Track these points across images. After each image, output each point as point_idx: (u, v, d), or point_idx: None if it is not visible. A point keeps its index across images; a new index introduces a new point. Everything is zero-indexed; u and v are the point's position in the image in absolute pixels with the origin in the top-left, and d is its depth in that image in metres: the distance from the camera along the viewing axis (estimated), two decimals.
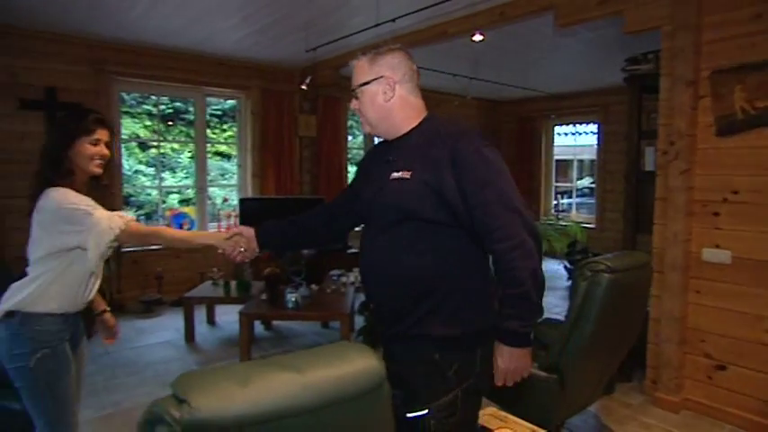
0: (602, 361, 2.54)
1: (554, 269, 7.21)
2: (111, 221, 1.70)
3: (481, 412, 2.29)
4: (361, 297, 4.68)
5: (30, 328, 1.71)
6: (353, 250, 6.11)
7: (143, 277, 5.29)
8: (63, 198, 1.70)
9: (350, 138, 7.15)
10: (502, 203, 1.43)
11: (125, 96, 5.49)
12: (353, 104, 1.62)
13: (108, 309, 2.14)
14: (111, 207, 1.85)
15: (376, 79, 1.53)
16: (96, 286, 1.92)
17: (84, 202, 1.72)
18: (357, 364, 1.10)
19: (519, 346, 1.47)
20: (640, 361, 3.24)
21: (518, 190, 1.51)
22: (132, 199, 6.96)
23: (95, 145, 1.81)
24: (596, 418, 3.00)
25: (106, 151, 1.85)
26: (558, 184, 8.94)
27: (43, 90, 4.68)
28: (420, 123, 1.60)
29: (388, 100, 1.54)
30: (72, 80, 4.84)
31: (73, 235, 1.70)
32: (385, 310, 1.63)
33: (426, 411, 1.51)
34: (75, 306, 1.83)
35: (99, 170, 1.84)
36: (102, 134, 1.83)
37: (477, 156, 1.45)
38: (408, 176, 1.50)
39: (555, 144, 8.74)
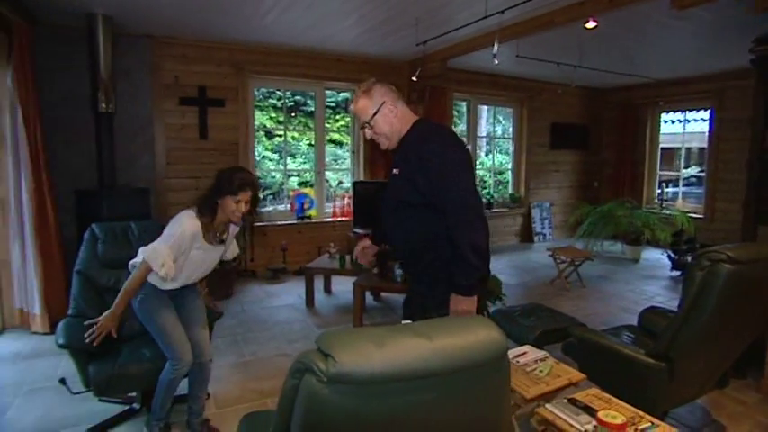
0: (717, 354, 2.35)
1: (656, 258, 6.68)
2: (157, 260, 2.12)
3: (584, 392, 2.24)
4: None
5: None
6: None
7: (270, 249, 5.74)
8: (176, 223, 2.19)
9: (455, 125, 7.08)
10: (454, 191, 1.79)
11: (255, 92, 5.90)
12: (368, 135, 1.97)
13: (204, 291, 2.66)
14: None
15: (380, 106, 1.89)
16: (177, 282, 2.32)
17: (174, 242, 2.15)
18: (481, 336, 1.13)
19: (463, 295, 1.84)
20: (758, 358, 2.94)
21: (472, 181, 1.92)
22: (261, 181, 7.50)
23: (237, 203, 2.21)
24: (705, 412, 2.79)
25: (244, 209, 2.24)
26: (663, 173, 8.19)
27: (197, 89, 5.19)
28: (410, 129, 1.94)
29: (396, 116, 1.91)
30: (218, 80, 5.31)
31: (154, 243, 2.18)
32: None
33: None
34: (162, 286, 2.29)
35: (237, 221, 2.29)
36: (244, 196, 2.21)
37: (437, 155, 1.81)
38: (398, 172, 1.95)
39: (661, 132, 7.99)
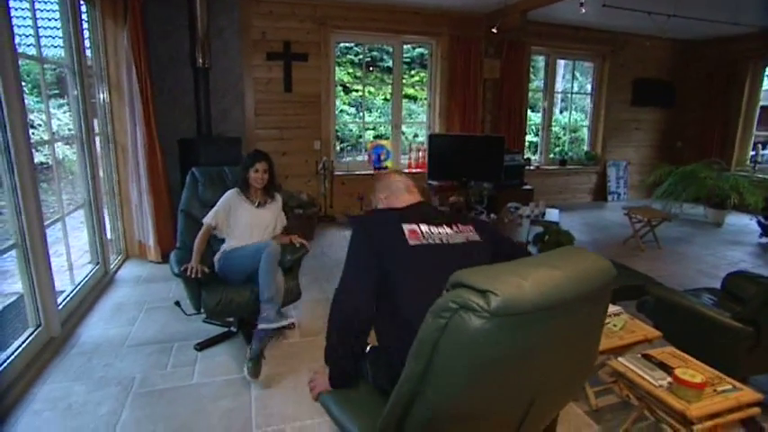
0: None
1: (743, 223, 6.07)
2: (207, 219, 2.70)
3: (659, 350, 2.13)
4: (536, 229, 4.54)
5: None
6: (528, 187, 5.88)
7: (348, 196, 5.85)
8: (224, 197, 2.75)
9: (530, 81, 6.65)
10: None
11: (334, 47, 5.84)
12: None
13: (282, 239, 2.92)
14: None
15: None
16: (251, 238, 2.73)
17: (218, 207, 2.72)
18: (597, 264, 1.13)
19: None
20: None
21: (359, 261, 1.53)
22: (338, 134, 7.58)
23: (256, 172, 2.73)
24: None
25: (263, 175, 2.75)
26: (760, 134, 7.26)
27: (282, 44, 5.23)
28: None
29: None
30: (301, 35, 5.31)
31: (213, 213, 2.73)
32: None
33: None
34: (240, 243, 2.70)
35: (259, 186, 2.76)
36: (260, 166, 2.73)
37: None
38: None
39: (763, 88, 7.01)
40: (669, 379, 1.86)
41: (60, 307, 2.86)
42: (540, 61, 7.16)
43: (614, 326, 2.28)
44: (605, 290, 1.13)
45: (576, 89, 7.94)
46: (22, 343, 2.46)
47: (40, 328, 2.61)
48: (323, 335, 2.83)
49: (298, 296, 2.78)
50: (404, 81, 6.23)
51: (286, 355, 2.69)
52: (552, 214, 4.63)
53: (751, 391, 1.82)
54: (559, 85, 7.94)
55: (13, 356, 2.34)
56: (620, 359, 2.02)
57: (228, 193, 2.77)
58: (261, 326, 2.40)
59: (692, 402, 1.72)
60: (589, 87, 7.51)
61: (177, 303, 2.83)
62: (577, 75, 7.91)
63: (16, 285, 3.75)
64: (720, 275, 2.93)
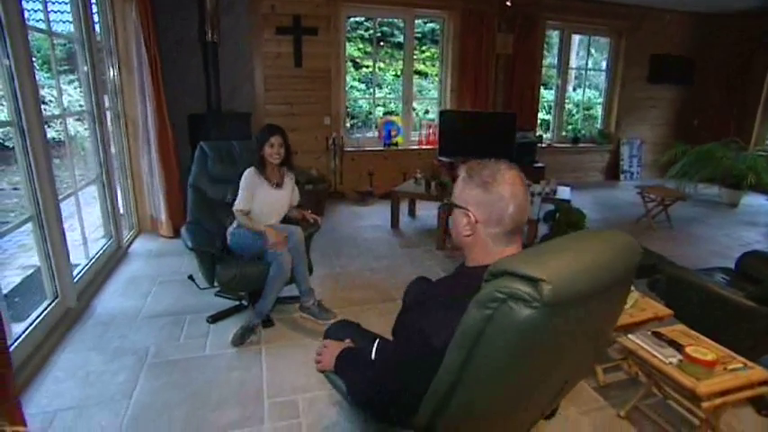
0: None
1: (759, 204, 5.97)
2: (238, 206, 2.65)
3: (670, 328, 2.12)
4: (548, 207, 4.50)
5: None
6: (540, 164, 5.80)
7: (358, 173, 5.82)
8: (245, 177, 2.67)
9: (544, 58, 6.49)
10: None
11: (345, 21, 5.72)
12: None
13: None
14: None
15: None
16: (269, 219, 2.72)
17: (243, 190, 2.65)
18: (630, 244, 1.12)
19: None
20: None
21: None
22: (349, 110, 7.50)
23: (272, 147, 2.64)
24: None
25: (279, 150, 2.66)
26: None
27: (291, 18, 5.13)
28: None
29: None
30: (311, 8, 5.20)
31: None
32: None
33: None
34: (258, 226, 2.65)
35: (276, 161, 2.68)
36: (275, 140, 2.64)
37: None
38: None
39: None
40: (679, 356, 1.85)
41: (76, 279, 2.91)
42: (554, 37, 6.96)
43: (625, 304, 2.27)
44: (633, 270, 1.11)
45: (590, 66, 7.74)
46: (41, 313, 2.51)
47: (57, 300, 2.66)
48: (334, 309, 2.86)
49: (309, 271, 2.79)
50: (415, 57, 6.10)
51: (297, 328, 2.73)
52: (564, 192, 4.58)
53: (762, 369, 1.81)
54: (574, 62, 7.74)
55: (32, 326, 2.39)
56: (630, 336, 2.01)
57: (247, 173, 2.69)
58: (302, 313, 2.72)
59: (701, 380, 1.72)
60: (604, 64, 7.31)
61: (191, 277, 2.86)
62: (592, 51, 7.70)
63: (33, 259, 3.82)
64: (734, 256, 2.88)
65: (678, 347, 1.91)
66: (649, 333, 2.04)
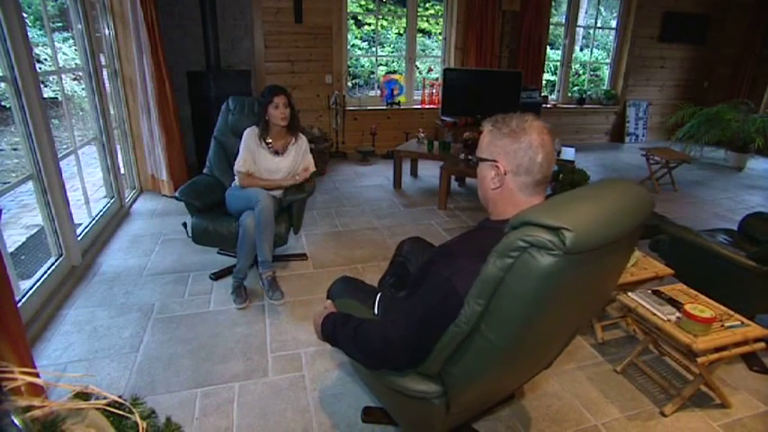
0: None
1: (764, 167, 5.90)
2: (238, 167, 2.59)
3: (670, 286, 2.12)
4: None
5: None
6: None
7: (360, 132, 5.74)
8: (244, 139, 2.60)
9: (551, 16, 6.23)
10: None
11: None
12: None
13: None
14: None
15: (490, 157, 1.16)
16: (266, 183, 2.65)
17: (243, 152, 2.58)
18: (644, 195, 1.12)
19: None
20: None
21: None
22: (350, 69, 7.31)
23: (276, 108, 2.54)
24: None
25: (285, 110, 2.55)
26: None
27: None
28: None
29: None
30: None
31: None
32: None
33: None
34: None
35: (283, 123, 2.58)
36: (278, 99, 2.53)
37: None
38: None
39: None
40: (678, 314, 1.86)
41: (80, 238, 2.92)
42: None
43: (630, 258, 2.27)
44: (644, 222, 1.10)
45: (599, 24, 7.46)
46: (47, 271, 2.54)
47: (61, 258, 2.68)
48: (334, 267, 2.88)
49: (283, 242, 2.67)
50: (418, 14, 5.88)
51: (299, 285, 2.75)
52: (568, 153, 4.51)
53: (759, 327, 1.82)
54: (582, 20, 7.46)
55: (39, 282, 2.42)
56: (630, 294, 2.02)
57: (245, 133, 2.61)
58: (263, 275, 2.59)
59: (698, 336, 1.73)
60: (614, 23, 7.04)
61: (184, 224, 2.81)
62: (602, 9, 7.40)
63: (37, 218, 3.83)
64: (737, 219, 2.87)
65: (677, 305, 1.92)
66: (649, 291, 2.05)
